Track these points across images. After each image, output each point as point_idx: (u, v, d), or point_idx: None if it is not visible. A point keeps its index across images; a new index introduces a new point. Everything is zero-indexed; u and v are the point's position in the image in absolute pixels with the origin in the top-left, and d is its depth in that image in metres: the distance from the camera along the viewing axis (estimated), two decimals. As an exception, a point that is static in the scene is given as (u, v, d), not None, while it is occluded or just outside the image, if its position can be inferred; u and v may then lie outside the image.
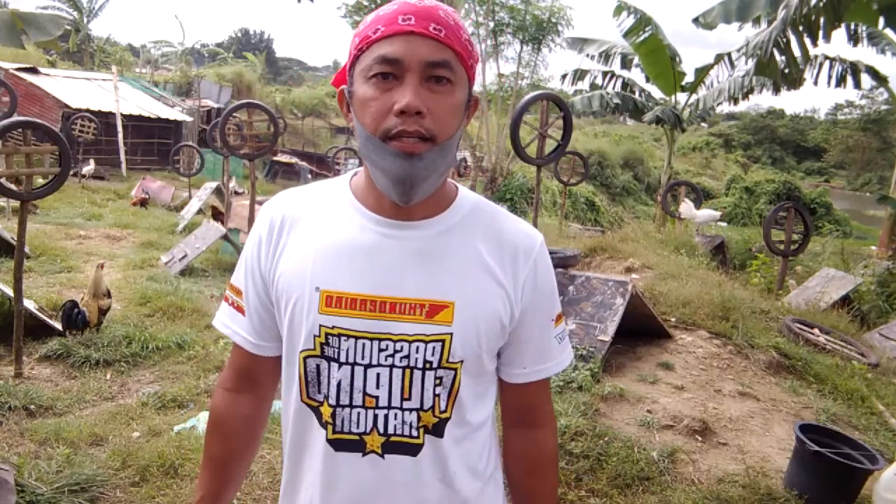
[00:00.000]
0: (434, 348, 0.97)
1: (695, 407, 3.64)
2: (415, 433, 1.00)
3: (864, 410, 3.99)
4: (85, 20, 29.67)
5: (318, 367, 1.00)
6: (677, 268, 5.89)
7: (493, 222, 1.05)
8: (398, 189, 0.93)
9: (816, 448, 2.85)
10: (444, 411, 1.00)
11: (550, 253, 1.17)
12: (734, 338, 4.56)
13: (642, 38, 12.43)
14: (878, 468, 2.83)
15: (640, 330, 4.38)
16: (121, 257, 7.35)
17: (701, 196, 10.28)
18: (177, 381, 4.02)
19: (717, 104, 12.54)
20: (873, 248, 13.27)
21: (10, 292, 4.08)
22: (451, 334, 0.97)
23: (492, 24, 15.69)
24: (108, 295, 4.68)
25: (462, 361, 0.99)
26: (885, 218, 12.61)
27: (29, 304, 4.40)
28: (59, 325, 4.50)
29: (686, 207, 9.70)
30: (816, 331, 5.18)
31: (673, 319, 4.73)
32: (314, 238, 1.01)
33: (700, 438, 3.34)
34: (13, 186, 3.99)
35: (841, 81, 10.83)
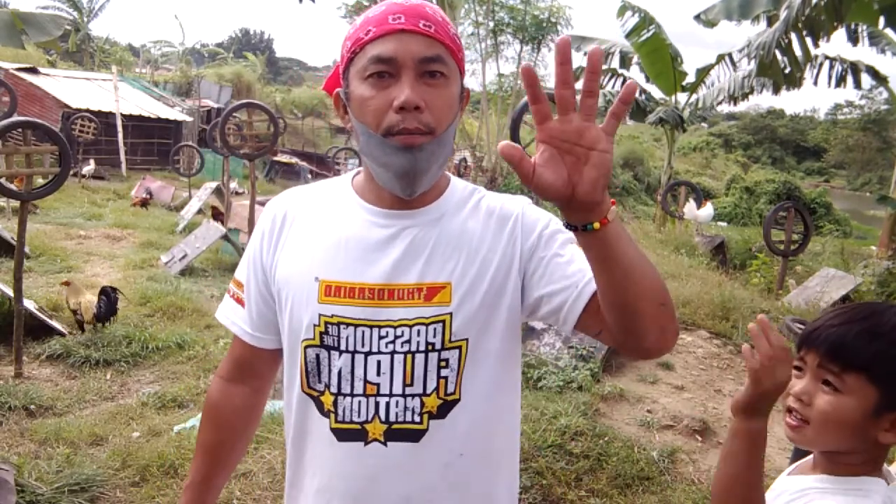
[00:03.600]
0: (435, 329, 0.98)
1: (695, 407, 3.64)
2: (417, 419, 0.99)
3: (864, 410, 3.99)
4: (85, 20, 29.67)
5: (317, 356, 1.01)
6: (677, 268, 5.90)
7: (483, 201, 1.07)
8: (402, 182, 0.95)
9: (816, 448, 2.85)
10: (452, 393, 1.00)
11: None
12: (734, 338, 4.56)
13: (644, 37, 12.39)
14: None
15: (640, 330, 4.38)
16: (121, 257, 7.34)
17: (700, 196, 10.30)
18: (177, 381, 4.02)
19: (717, 103, 12.51)
20: (873, 248, 13.25)
21: (10, 292, 4.08)
22: (451, 314, 0.98)
23: (491, 24, 15.70)
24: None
25: (466, 340, 0.99)
26: (885, 218, 12.58)
27: (29, 304, 4.40)
28: (58, 325, 4.50)
29: (689, 208, 9.74)
30: (816, 331, 5.17)
31: (673, 319, 4.73)
32: (315, 232, 1.04)
33: (700, 438, 3.34)
34: (13, 186, 3.99)
35: (841, 81, 10.79)
